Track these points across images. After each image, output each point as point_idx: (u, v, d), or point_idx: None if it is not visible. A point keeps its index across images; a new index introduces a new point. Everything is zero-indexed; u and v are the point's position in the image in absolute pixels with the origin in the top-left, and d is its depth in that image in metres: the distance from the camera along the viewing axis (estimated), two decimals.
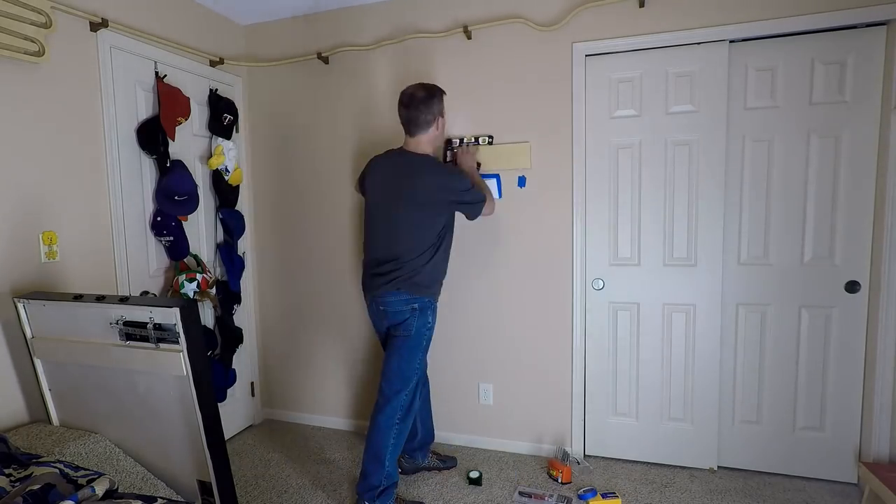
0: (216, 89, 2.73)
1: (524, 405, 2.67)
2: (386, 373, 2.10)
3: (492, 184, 2.56)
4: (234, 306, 2.82)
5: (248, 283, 3.00)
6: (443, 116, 2.12)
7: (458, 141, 2.58)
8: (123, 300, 1.62)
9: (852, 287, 2.23)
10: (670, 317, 2.44)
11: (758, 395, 2.40)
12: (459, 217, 2.20)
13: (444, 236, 2.12)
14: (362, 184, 2.27)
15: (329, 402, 3.04)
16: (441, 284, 2.19)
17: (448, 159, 2.57)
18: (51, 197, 1.96)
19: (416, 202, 2.02)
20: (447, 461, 2.53)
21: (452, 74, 2.60)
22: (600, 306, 2.53)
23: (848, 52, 2.15)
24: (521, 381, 2.66)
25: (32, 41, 1.81)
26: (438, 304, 2.20)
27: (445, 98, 2.16)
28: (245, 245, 2.97)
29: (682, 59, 2.31)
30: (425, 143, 2.10)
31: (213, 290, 2.65)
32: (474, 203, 2.10)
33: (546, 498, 2.25)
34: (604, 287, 2.51)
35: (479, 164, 2.53)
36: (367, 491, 2.06)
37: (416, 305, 2.05)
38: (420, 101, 2.03)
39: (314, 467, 2.57)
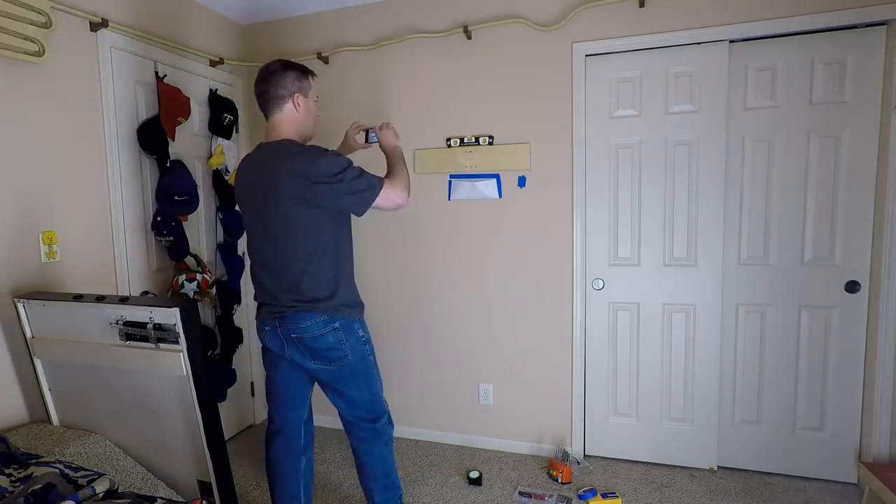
0: (216, 89, 2.73)
1: (524, 405, 2.67)
2: (351, 407, 1.82)
3: (491, 184, 2.56)
4: (234, 306, 2.82)
5: (248, 283, 3.00)
6: (305, 96, 1.73)
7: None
8: (123, 300, 1.62)
9: (852, 287, 2.23)
10: (670, 317, 2.44)
11: (758, 395, 2.40)
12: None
13: (337, 238, 1.72)
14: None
15: (328, 402, 3.02)
16: (355, 292, 1.82)
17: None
18: (51, 197, 1.96)
19: (281, 197, 1.61)
20: None
21: (452, 74, 2.60)
22: (600, 306, 2.53)
23: (848, 52, 2.15)
24: (521, 381, 2.66)
25: (32, 41, 1.81)
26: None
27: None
28: (245, 245, 2.97)
29: (682, 59, 2.31)
30: (284, 125, 1.71)
31: (213, 290, 2.65)
32: (356, 193, 1.62)
33: (546, 498, 2.25)
34: (604, 287, 2.51)
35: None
36: None
37: (337, 325, 1.71)
38: (270, 74, 1.69)
39: (314, 467, 2.57)
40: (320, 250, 1.67)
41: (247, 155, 1.79)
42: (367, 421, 1.84)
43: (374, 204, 1.66)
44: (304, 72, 1.76)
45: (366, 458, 1.87)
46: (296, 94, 1.71)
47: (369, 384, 1.82)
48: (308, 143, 1.76)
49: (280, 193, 1.61)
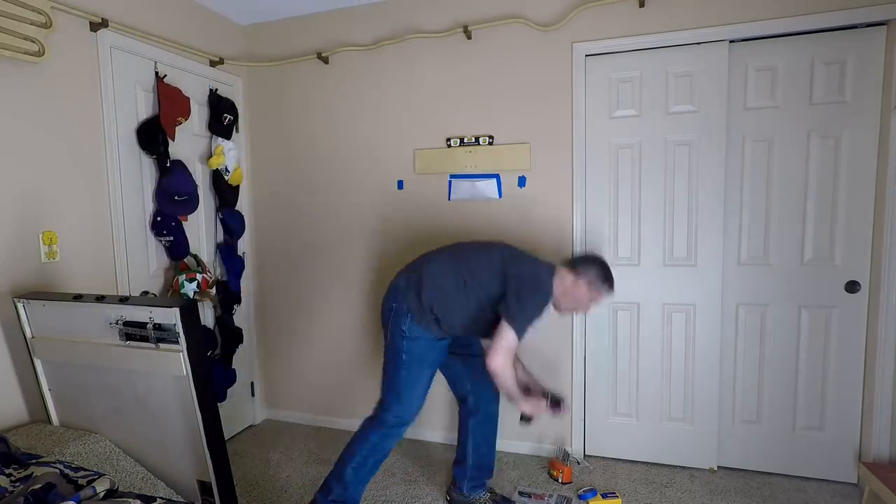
0: (216, 89, 2.73)
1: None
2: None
3: (491, 184, 2.56)
4: (234, 306, 2.82)
5: (248, 283, 3.00)
6: (586, 290, 1.88)
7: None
8: (123, 300, 1.62)
9: (852, 287, 2.23)
10: (670, 317, 2.44)
11: (758, 395, 2.40)
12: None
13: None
14: None
15: (329, 402, 3.03)
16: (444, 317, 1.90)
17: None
18: (51, 197, 1.96)
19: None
20: (502, 503, 2.20)
21: (452, 74, 2.60)
22: (600, 306, 2.53)
23: (848, 52, 2.15)
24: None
25: (32, 41, 1.81)
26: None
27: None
28: (245, 245, 2.97)
29: (682, 59, 2.31)
30: (559, 285, 1.88)
31: (213, 290, 2.65)
32: (509, 308, 1.80)
33: (546, 498, 2.25)
34: None
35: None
36: (320, 493, 1.93)
37: (393, 305, 1.93)
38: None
39: (314, 467, 2.57)
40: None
41: None
42: (378, 401, 1.99)
43: (500, 331, 1.79)
44: (606, 281, 1.90)
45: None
46: (584, 282, 1.87)
47: (388, 372, 1.95)
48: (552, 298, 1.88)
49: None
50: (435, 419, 2.81)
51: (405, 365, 1.92)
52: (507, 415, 2.68)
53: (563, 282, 1.89)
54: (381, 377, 1.99)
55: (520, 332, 1.78)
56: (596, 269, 1.90)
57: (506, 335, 1.77)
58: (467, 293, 1.87)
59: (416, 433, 2.84)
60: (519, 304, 1.79)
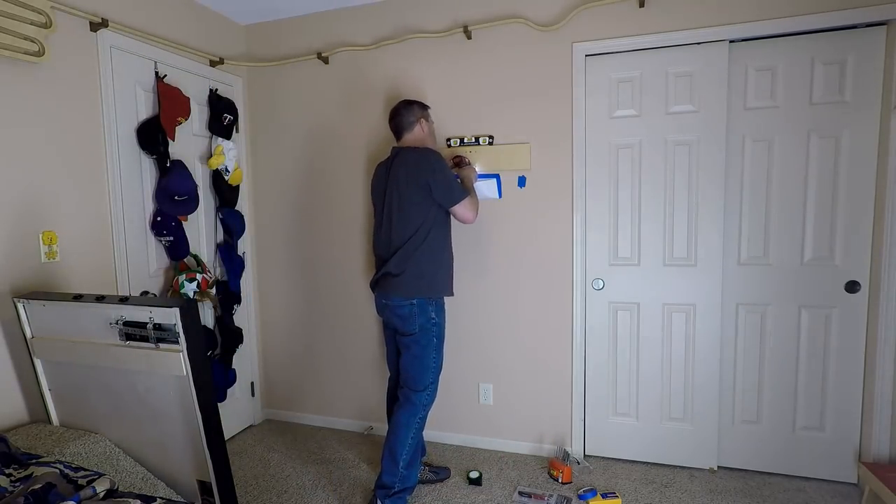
0: (216, 89, 2.73)
1: (524, 405, 2.67)
2: (402, 370, 2.15)
3: (492, 184, 2.56)
4: (234, 306, 2.82)
5: (248, 283, 3.00)
6: (427, 121, 2.23)
7: (458, 156, 2.48)
8: (123, 300, 1.62)
9: (852, 287, 2.23)
10: (670, 317, 2.44)
11: (758, 395, 2.40)
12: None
13: (435, 220, 2.08)
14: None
15: (329, 402, 3.04)
16: (445, 279, 2.16)
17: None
18: (51, 197, 1.96)
19: (401, 183, 2.07)
20: (440, 472, 2.44)
21: (452, 74, 2.60)
22: (600, 306, 2.53)
23: (848, 52, 2.15)
24: (521, 381, 2.66)
25: (32, 41, 1.81)
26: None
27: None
28: (245, 245, 2.97)
29: (682, 59, 2.31)
30: (412, 143, 2.19)
31: (213, 290, 2.65)
32: (450, 190, 2.05)
33: (546, 498, 2.25)
34: (604, 287, 2.51)
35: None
36: (379, 488, 2.08)
37: (414, 302, 2.07)
38: (402, 108, 2.21)
39: (314, 467, 2.57)
40: (419, 224, 2.06)
41: (384, 160, 2.23)
42: (408, 387, 2.13)
43: (453, 210, 2.09)
44: (424, 106, 2.26)
45: (391, 419, 2.14)
46: (422, 120, 2.21)
47: (422, 357, 2.10)
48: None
49: (399, 179, 2.07)
50: (432, 418, 2.81)
51: (437, 346, 2.13)
52: (507, 415, 2.69)
53: (427, 137, 2.24)
54: (406, 367, 2.13)
55: (462, 195, 2.07)
56: (417, 108, 2.20)
57: (459, 211, 2.08)
58: (428, 237, 2.07)
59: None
60: (447, 187, 2.05)
